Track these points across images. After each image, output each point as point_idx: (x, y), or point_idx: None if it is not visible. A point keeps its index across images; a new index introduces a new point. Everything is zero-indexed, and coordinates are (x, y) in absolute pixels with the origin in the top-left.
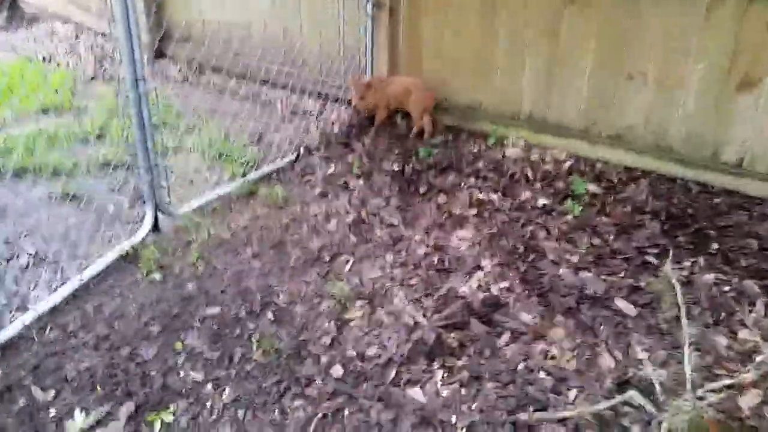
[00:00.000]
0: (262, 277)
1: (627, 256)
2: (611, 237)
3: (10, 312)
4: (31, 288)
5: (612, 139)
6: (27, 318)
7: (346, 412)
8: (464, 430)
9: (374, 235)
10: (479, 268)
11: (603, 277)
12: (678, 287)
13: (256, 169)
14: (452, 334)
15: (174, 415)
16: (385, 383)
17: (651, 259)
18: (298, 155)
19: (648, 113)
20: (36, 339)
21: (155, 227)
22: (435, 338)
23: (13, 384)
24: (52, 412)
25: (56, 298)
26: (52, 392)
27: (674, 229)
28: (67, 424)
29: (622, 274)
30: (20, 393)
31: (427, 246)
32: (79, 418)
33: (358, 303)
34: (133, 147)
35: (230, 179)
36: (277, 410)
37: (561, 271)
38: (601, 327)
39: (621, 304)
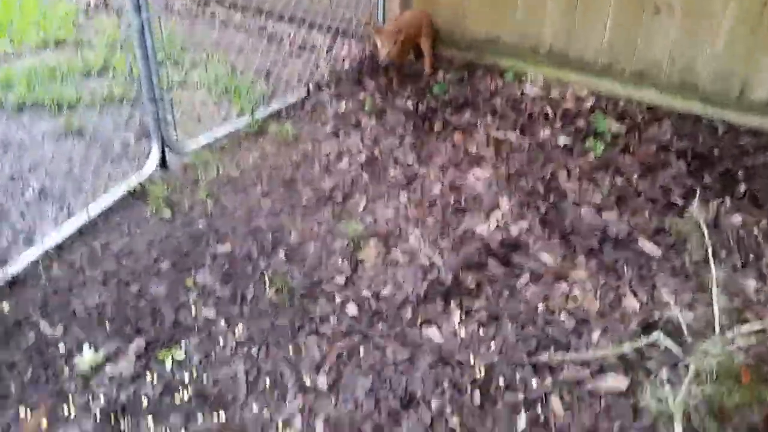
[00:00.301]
0: (273, 216)
1: (651, 196)
2: (635, 177)
3: (17, 248)
4: (37, 224)
5: (636, 77)
6: (33, 254)
7: (362, 351)
8: (483, 370)
9: (388, 174)
10: (497, 208)
11: (626, 217)
12: (705, 228)
13: (264, 106)
14: (470, 275)
15: (185, 351)
16: (401, 323)
17: (676, 199)
18: (308, 92)
19: (674, 49)
20: (43, 275)
21: (162, 163)
22: (452, 278)
23: (21, 320)
24: (61, 347)
25: (62, 233)
26: (61, 328)
27: (700, 170)
28: (76, 360)
29: (646, 215)
30: (29, 329)
31: (443, 185)
32: (89, 354)
33: (372, 242)
34: (138, 81)
35: (238, 116)
36: (291, 348)
37: (582, 211)
38: (625, 268)
39: (645, 245)
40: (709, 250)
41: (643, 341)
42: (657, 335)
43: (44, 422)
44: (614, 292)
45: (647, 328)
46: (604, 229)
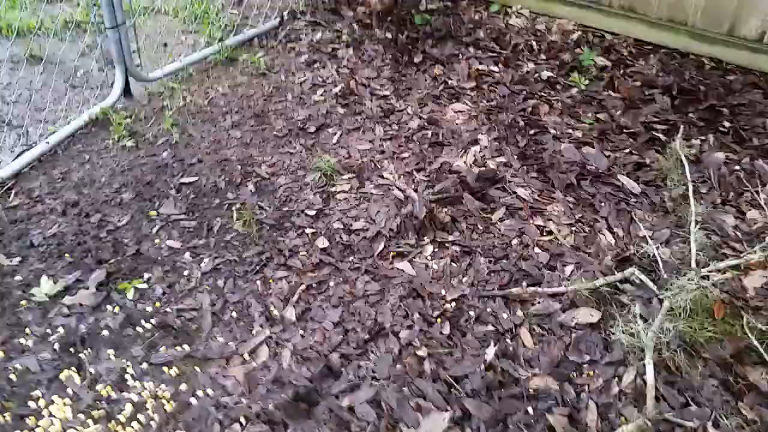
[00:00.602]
0: (243, 147)
1: (633, 131)
2: (618, 112)
3: None
4: None
5: (624, 10)
6: None
7: (331, 284)
8: (454, 303)
9: (364, 107)
10: (476, 142)
11: (607, 152)
12: (686, 164)
13: (235, 34)
14: (444, 209)
15: (148, 283)
16: (372, 256)
17: (659, 135)
18: (281, 20)
19: None
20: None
21: (126, 92)
22: (426, 213)
23: None
24: (18, 278)
25: (21, 162)
26: (18, 259)
27: (685, 105)
28: (34, 291)
29: (627, 150)
30: None
31: (421, 119)
32: (47, 285)
33: (346, 176)
34: (100, 6)
35: (207, 44)
36: (258, 280)
37: (563, 146)
38: (603, 204)
39: (624, 180)
40: (690, 186)
41: (617, 276)
42: (632, 270)
43: (0, 353)
44: (590, 227)
45: (622, 262)
46: (584, 164)
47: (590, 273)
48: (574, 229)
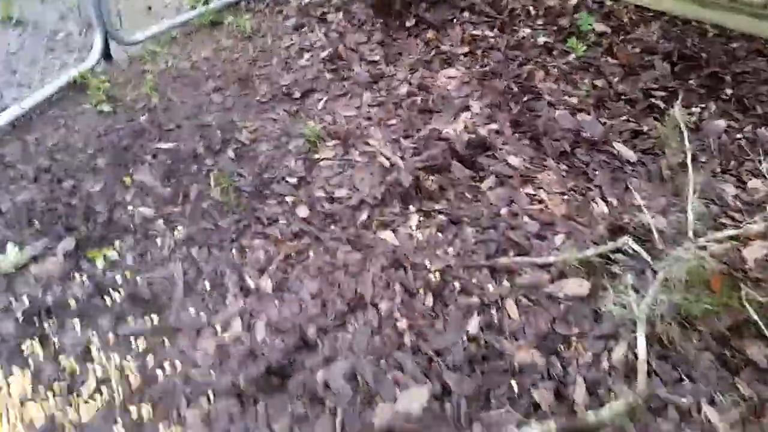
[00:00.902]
0: (224, 112)
1: (631, 98)
2: (616, 79)
3: None
4: None
5: None
6: None
7: (311, 254)
8: (438, 273)
9: (352, 72)
10: (467, 109)
11: (603, 120)
12: (685, 132)
13: None
14: (432, 177)
15: (119, 251)
16: (354, 225)
17: (658, 102)
18: None
19: None
20: None
21: (106, 56)
22: (412, 181)
23: None
24: None
25: None
26: None
27: (686, 72)
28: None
29: (624, 118)
30: None
31: (411, 85)
32: (12, 253)
33: (330, 143)
34: None
35: (191, 6)
36: (234, 249)
37: (557, 113)
38: (597, 172)
39: (621, 148)
40: (688, 155)
41: (609, 245)
42: (625, 240)
43: None
44: (583, 196)
45: (615, 232)
46: (579, 132)
47: (582, 243)
48: (566, 197)
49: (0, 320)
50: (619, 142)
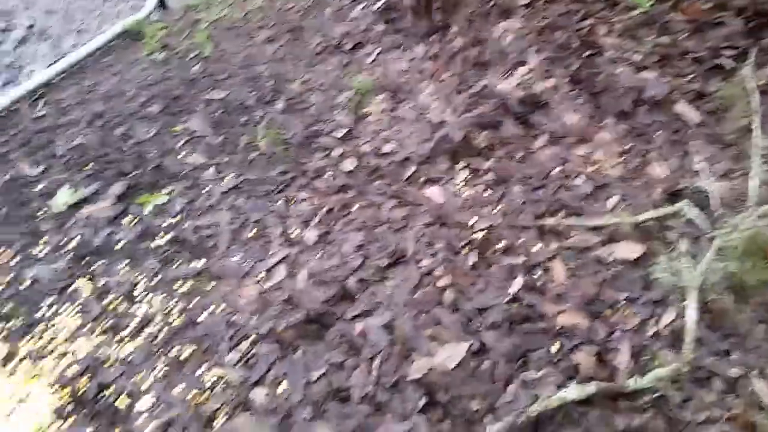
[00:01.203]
0: (276, 63)
1: (698, 56)
2: (682, 35)
3: (2, 86)
4: (26, 62)
5: None
6: (19, 92)
7: (355, 207)
8: (483, 232)
9: (405, 24)
10: (523, 63)
11: (667, 79)
12: (755, 94)
13: None
14: (482, 134)
15: (168, 197)
16: (400, 181)
17: (726, 62)
18: None
19: None
20: (27, 114)
21: (161, 5)
22: (462, 137)
23: (0, 156)
24: (40, 186)
25: (51, 72)
26: (41, 167)
27: (760, 30)
28: (53, 200)
29: (689, 77)
30: (8, 166)
31: (466, 38)
32: (66, 194)
33: (380, 96)
34: None
35: None
36: (280, 200)
37: (618, 70)
38: (657, 133)
39: (684, 109)
40: (756, 118)
41: (665, 210)
42: (682, 205)
43: (14, 259)
44: (641, 157)
45: (672, 197)
46: (640, 91)
47: (636, 206)
48: (622, 159)
49: (51, 259)
50: (683, 102)
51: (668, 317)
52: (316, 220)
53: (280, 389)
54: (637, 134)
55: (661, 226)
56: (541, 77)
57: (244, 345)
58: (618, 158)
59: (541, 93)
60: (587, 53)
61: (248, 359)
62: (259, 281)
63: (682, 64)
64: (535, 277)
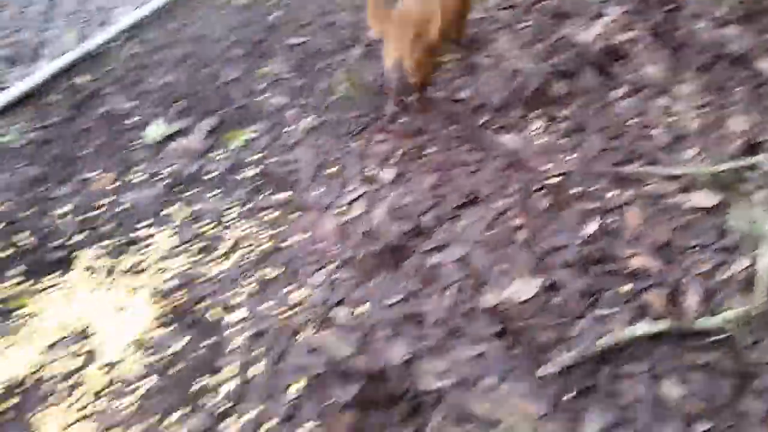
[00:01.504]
0: (354, 10)
1: None
2: None
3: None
4: (116, 4)
5: None
6: (111, 32)
7: (430, 150)
8: (558, 177)
9: None
10: (604, 14)
11: (750, 35)
12: None
13: None
14: (560, 83)
15: (253, 134)
16: (475, 127)
17: None
18: None
19: None
20: (119, 53)
21: None
22: (538, 85)
23: (96, 91)
24: (133, 119)
25: (141, 13)
26: (134, 102)
27: None
28: (146, 131)
29: None
30: (103, 101)
31: None
32: (160, 127)
33: (453, 45)
34: None
35: None
36: (359, 141)
37: (701, 24)
38: (737, 88)
39: (765, 65)
40: None
41: (743, 161)
42: (761, 157)
43: (112, 184)
44: (720, 110)
45: (750, 149)
46: (721, 45)
47: (714, 157)
48: (701, 112)
49: (146, 186)
50: (764, 58)
51: (740, 264)
52: (393, 161)
53: (359, 309)
54: (717, 88)
55: (739, 177)
56: (622, 29)
57: (327, 270)
58: (697, 111)
59: (621, 44)
60: (669, 6)
61: (331, 283)
62: (339, 214)
63: (766, 21)
64: (609, 221)
